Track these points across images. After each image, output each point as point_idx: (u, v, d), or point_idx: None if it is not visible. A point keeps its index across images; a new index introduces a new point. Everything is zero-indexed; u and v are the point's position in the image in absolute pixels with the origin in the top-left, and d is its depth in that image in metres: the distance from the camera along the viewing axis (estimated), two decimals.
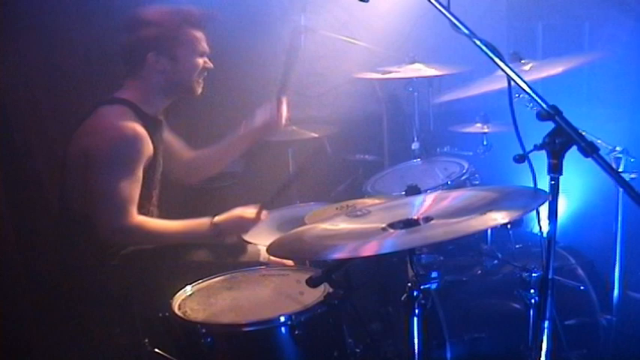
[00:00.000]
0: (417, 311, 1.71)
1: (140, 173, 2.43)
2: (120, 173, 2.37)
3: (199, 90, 2.62)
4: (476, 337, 2.34)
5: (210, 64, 2.60)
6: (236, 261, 2.57)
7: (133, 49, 2.51)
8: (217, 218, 2.54)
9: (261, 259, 2.58)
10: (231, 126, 3.11)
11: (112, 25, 3.10)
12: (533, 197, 1.60)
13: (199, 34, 2.57)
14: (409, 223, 1.73)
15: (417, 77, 3.25)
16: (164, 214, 2.78)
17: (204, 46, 2.58)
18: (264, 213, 2.64)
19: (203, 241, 2.61)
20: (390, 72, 3.19)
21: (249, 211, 2.59)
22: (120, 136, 2.39)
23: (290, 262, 2.49)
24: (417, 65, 3.22)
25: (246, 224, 2.60)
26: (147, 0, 2.66)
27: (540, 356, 1.53)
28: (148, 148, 2.46)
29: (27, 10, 2.89)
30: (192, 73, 2.57)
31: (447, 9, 1.59)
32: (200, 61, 2.57)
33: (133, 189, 2.39)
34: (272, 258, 2.51)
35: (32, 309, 2.76)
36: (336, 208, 2.64)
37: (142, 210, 2.51)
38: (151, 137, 2.48)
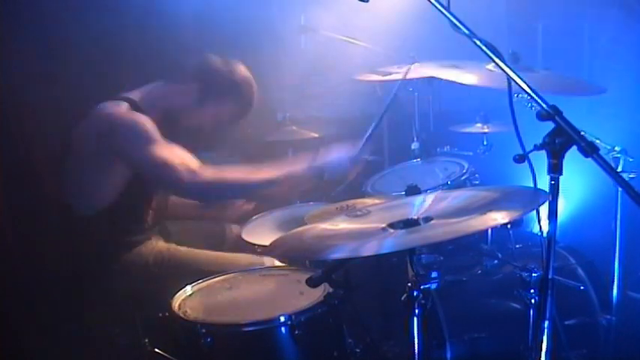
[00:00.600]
0: (417, 311, 1.71)
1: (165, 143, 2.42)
2: (155, 143, 2.37)
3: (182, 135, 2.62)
4: (476, 337, 2.34)
5: (223, 125, 2.68)
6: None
7: (186, 69, 2.57)
8: (315, 162, 2.52)
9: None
10: (231, 126, 3.11)
11: (113, 26, 3.12)
12: (533, 197, 1.61)
13: (240, 98, 2.62)
14: (409, 223, 1.73)
15: (417, 78, 3.24)
16: (163, 215, 2.79)
17: (229, 116, 2.65)
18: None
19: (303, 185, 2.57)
20: (390, 73, 3.19)
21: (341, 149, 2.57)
22: (134, 118, 2.42)
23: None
24: (417, 65, 3.21)
25: (345, 162, 2.56)
26: (147, 2, 2.67)
27: (540, 356, 1.53)
28: (154, 126, 2.45)
29: (27, 9, 2.89)
30: (199, 124, 2.61)
31: (447, 9, 1.59)
32: (213, 124, 2.63)
33: (175, 150, 2.40)
34: (277, 263, 2.51)
35: (32, 309, 2.75)
36: (336, 208, 2.64)
37: (139, 213, 2.52)
38: None
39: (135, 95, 2.54)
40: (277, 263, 2.52)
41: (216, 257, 2.62)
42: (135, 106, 2.48)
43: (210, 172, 2.39)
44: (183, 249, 2.63)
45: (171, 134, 2.50)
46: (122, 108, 2.45)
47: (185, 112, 2.59)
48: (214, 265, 2.53)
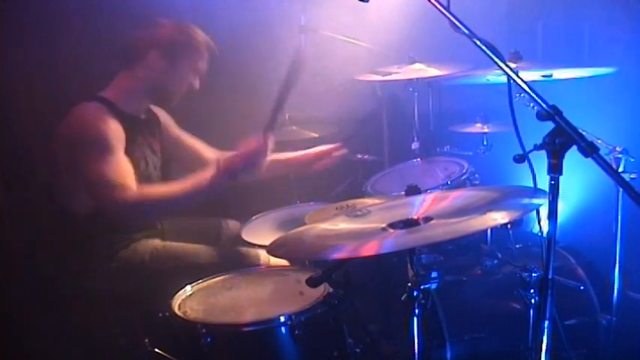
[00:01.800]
0: (417, 311, 1.71)
1: (122, 153, 2.39)
2: (104, 156, 2.33)
3: (173, 103, 2.64)
4: (476, 337, 2.34)
5: (197, 87, 2.61)
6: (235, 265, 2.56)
7: (139, 43, 2.52)
8: (223, 157, 2.43)
9: (261, 262, 2.57)
10: (231, 126, 3.11)
11: (114, 26, 3.12)
12: (533, 197, 1.61)
13: (204, 54, 2.58)
14: (409, 223, 1.73)
15: (417, 78, 3.25)
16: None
17: (203, 66, 2.59)
18: (270, 138, 2.48)
19: (214, 194, 2.43)
20: (390, 73, 3.19)
21: (252, 142, 2.43)
22: (92, 126, 2.37)
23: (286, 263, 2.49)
24: (417, 65, 3.22)
25: (256, 155, 2.41)
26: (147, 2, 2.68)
27: (540, 356, 1.53)
28: (121, 136, 2.41)
29: (28, 9, 2.89)
30: (181, 85, 2.59)
31: (447, 9, 1.59)
32: (193, 79, 2.58)
33: (122, 165, 2.36)
34: (272, 260, 2.52)
35: (32, 309, 2.75)
36: (336, 208, 2.64)
37: None
38: (128, 132, 2.45)
39: (109, 93, 2.51)
40: (272, 259, 2.52)
41: (211, 251, 2.62)
42: (109, 106, 2.45)
43: (135, 193, 2.34)
44: (178, 244, 2.63)
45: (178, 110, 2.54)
46: (90, 111, 2.41)
47: (166, 81, 2.55)
48: (209, 258, 2.55)
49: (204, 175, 2.36)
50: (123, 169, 2.36)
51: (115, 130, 2.40)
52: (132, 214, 2.41)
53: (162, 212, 2.51)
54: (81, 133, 2.39)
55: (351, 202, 2.71)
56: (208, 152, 2.87)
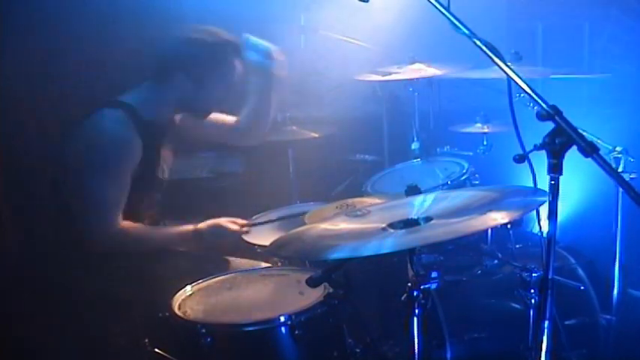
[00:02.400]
0: (417, 311, 1.71)
1: (126, 180, 2.42)
2: (102, 179, 2.38)
3: (208, 115, 2.63)
4: (476, 337, 2.34)
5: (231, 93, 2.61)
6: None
7: (165, 64, 2.50)
8: (200, 225, 2.56)
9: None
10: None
11: (113, 26, 3.12)
12: (533, 197, 1.60)
13: (233, 63, 2.55)
14: (409, 223, 1.73)
15: (417, 78, 3.25)
16: (164, 215, 2.79)
17: (233, 76, 2.56)
18: (246, 228, 2.65)
19: (186, 248, 2.64)
20: (390, 73, 3.19)
21: (232, 224, 2.61)
22: (105, 143, 2.40)
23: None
24: (417, 65, 3.22)
25: (227, 234, 2.59)
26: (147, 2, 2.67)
27: (540, 356, 1.52)
28: (135, 154, 2.44)
29: (28, 9, 2.89)
30: (212, 100, 2.58)
31: (447, 9, 1.59)
32: (226, 91, 2.56)
33: (118, 195, 2.41)
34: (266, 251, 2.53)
35: (32, 309, 2.75)
36: (336, 207, 2.64)
37: (132, 213, 2.53)
38: (146, 142, 2.47)
39: (131, 99, 2.50)
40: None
41: (214, 258, 2.64)
42: (130, 111, 2.45)
43: (127, 227, 2.42)
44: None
45: (199, 125, 2.63)
46: (113, 121, 2.42)
47: (193, 102, 2.56)
48: (212, 264, 2.56)
49: (183, 233, 2.53)
50: (118, 199, 2.40)
51: (131, 149, 2.42)
52: (107, 245, 2.43)
53: (132, 249, 2.50)
54: (94, 144, 2.42)
55: (350, 200, 2.71)
56: (227, 119, 2.87)
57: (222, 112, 2.77)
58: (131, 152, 2.44)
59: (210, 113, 2.66)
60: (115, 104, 2.48)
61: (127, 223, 2.44)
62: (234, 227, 2.62)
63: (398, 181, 2.98)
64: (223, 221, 2.61)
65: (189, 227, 2.57)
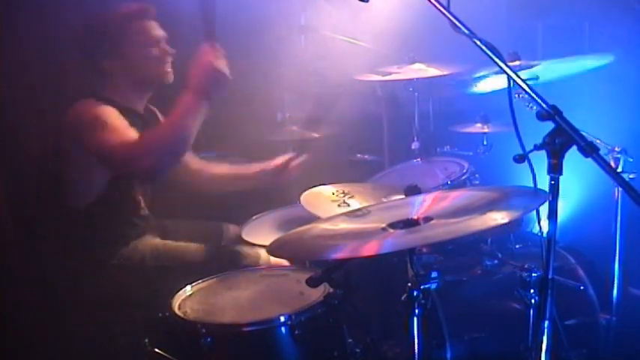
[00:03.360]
0: (417, 311, 1.71)
1: (123, 128, 2.40)
2: (102, 130, 2.35)
3: (170, 77, 2.59)
4: (476, 337, 2.34)
5: (169, 49, 2.57)
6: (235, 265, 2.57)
7: (90, 59, 2.53)
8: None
9: (261, 262, 2.57)
10: (230, 125, 3.11)
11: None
12: (533, 197, 1.61)
13: (146, 24, 2.54)
14: (409, 223, 1.73)
15: (417, 78, 3.25)
16: (158, 214, 2.80)
17: (155, 34, 2.55)
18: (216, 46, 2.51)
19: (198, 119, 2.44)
20: (390, 73, 3.19)
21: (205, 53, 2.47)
22: (96, 109, 2.41)
23: (287, 263, 2.49)
24: (417, 65, 3.22)
25: (216, 67, 2.43)
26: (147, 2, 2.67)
27: (540, 356, 1.53)
28: (119, 116, 2.44)
29: (26, 9, 2.89)
30: (150, 65, 2.56)
31: (447, 9, 1.59)
32: (154, 50, 2.54)
33: (121, 132, 2.37)
34: (272, 259, 2.52)
35: (32, 309, 2.75)
36: (333, 193, 2.64)
37: (130, 206, 2.55)
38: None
39: (107, 91, 2.54)
40: (273, 258, 2.52)
41: (211, 250, 2.64)
42: (107, 100, 2.47)
43: (136, 144, 2.35)
44: (179, 243, 2.65)
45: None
46: (89, 102, 2.46)
47: (137, 67, 2.55)
48: (210, 258, 2.56)
49: (182, 101, 2.36)
50: (122, 134, 2.37)
51: (113, 112, 2.42)
52: (143, 165, 2.35)
53: (167, 154, 2.43)
54: (81, 117, 2.42)
55: (347, 188, 2.70)
56: (191, 160, 2.88)
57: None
58: (115, 114, 2.43)
59: (162, 77, 2.58)
60: (90, 95, 2.51)
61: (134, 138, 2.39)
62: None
63: (398, 181, 2.98)
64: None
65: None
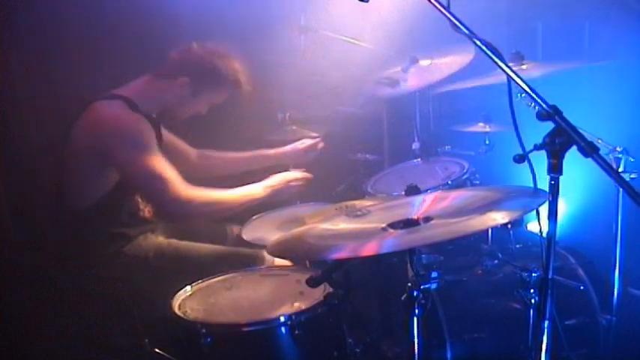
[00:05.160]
0: (417, 311, 1.71)
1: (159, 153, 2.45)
2: (149, 153, 2.39)
3: (173, 122, 2.72)
4: (476, 337, 2.34)
5: (203, 113, 2.73)
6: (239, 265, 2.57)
7: (173, 64, 2.59)
8: (265, 183, 2.69)
9: (266, 263, 2.58)
10: (232, 126, 3.11)
11: (112, 24, 3.12)
12: (533, 197, 1.60)
13: (228, 90, 2.69)
14: (409, 223, 1.73)
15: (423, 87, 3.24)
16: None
17: (220, 99, 2.71)
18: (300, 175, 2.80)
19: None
20: (398, 80, 3.18)
21: (288, 174, 2.78)
22: (131, 122, 2.44)
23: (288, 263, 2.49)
24: (423, 62, 3.21)
25: (292, 189, 2.77)
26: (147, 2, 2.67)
27: (540, 356, 1.53)
28: (154, 133, 2.50)
29: (26, 9, 2.89)
30: (190, 111, 2.68)
31: (447, 9, 1.59)
32: (204, 108, 2.70)
33: (167, 165, 2.42)
34: (277, 261, 2.52)
35: (32, 309, 2.75)
36: (335, 209, 2.64)
37: (131, 207, 2.56)
38: None
39: (127, 92, 2.53)
40: (277, 260, 2.53)
41: (215, 250, 2.64)
42: (129, 103, 2.48)
43: (195, 192, 2.43)
44: (183, 243, 2.65)
45: (171, 126, 2.63)
46: (117, 108, 2.46)
47: (180, 106, 2.65)
48: (214, 258, 2.56)
49: (252, 192, 2.60)
50: (168, 167, 2.42)
51: (149, 129, 2.48)
52: (181, 211, 2.44)
53: (208, 215, 2.59)
54: (119, 129, 2.43)
55: (350, 202, 2.71)
56: (190, 150, 2.99)
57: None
58: (151, 131, 2.49)
59: (176, 122, 2.72)
60: (111, 97, 2.51)
61: (196, 188, 2.45)
62: (299, 182, 2.79)
63: (398, 181, 2.98)
64: (288, 176, 2.77)
65: (257, 186, 2.66)
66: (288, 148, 3.15)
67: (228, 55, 2.66)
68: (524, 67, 2.69)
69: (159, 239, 2.65)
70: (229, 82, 2.66)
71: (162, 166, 2.39)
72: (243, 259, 2.58)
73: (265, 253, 2.59)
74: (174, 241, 2.65)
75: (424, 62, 3.20)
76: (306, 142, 3.17)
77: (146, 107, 2.55)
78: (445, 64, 3.11)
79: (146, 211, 2.65)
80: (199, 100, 2.65)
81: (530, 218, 2.50)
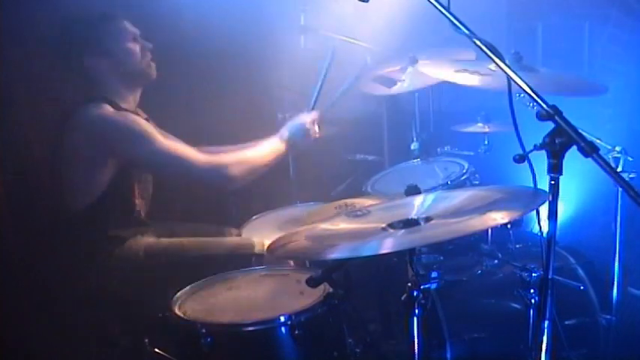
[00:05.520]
0: (417, 311, 1.71)
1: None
2: (160, 138, 2.44)
3: (153, 73, 2.66)
4: (476, 337, 2.34)
5: (147, 44, 2.64)
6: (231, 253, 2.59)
7: (72, 59, 2.56)
8: (281, 133, 2.73)
9: (255, 250, 2.59)
10: (232, 126, 3.10)
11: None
12: (533, 197, 1.60)
13: (121, 22, 2.61)
14: (409, 223, 1.73)
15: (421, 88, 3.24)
16: (162, 215, 2.80)
17: (131, 30, 2.62)
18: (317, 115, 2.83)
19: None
20: (395, 81, 3.19)
21: (304, 116, 2.79)
22: (129, 118, 2.47)
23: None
24: (421, 63, 3.21)
25: (309, 131, 2.78)
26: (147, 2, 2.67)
27: (540, 356, 1.53)
28: (148, 129, 2.50)
29: (26, 9, 2.89)
30: (133, 60, 2.60)
31: (447, 9, 1.59)
32: (134, 45, 2.60)
33: (178, 143, 2.48)
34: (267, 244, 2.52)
35: (32, 309, 2.75)
36: (335, 207, 2.64)
37: (127, 208, 2.57)
38: None
39: (106, 92, 2.55)
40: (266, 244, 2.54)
41: (203, 242, 2.65)
42: (111, 103, 2.50)
43: (223, 157, 2.52)
44: (172, 239, 2.66)
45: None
46: (108, 109, 2.47)
47: (121, 74, 2.59)
48: (202, 249, 2.58)
49: (275, 147, 2.67)
50: (179, 144, 2.48)
51: (142, 120, 2.50)
52: (223, 176, 2.50)
53: (246, 174, 2.57)
54: (121, 126, 2.45)
55: (349, 200, 2.71)
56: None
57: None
58: (147, 125, 2.49)
59: (145, 72, 2.65)
60: (95, 99, 2.52)
61: (229, 156, 2.53)
62: (315, 127, 2.81)
63: (398, 181, 2.98)
64: (303, 118, 2.79)
65: (275, 140, 2.70)
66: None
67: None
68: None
69: (149, 239, 2.64)
70: (114, 20, 2.61)
71: (176, 145, 2.45)
72: (234, 249, 2.59)
73: (255, 241, 2.61)
74: (163, 239, 2.65)
75: (423, 63, 3.20)
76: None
77: (125, 103, 2.57)
78: (445, 65, 3.12)
79: (142, 212, 2.65)
80: (117, 54, 2.57)
81: (530, 218, 2.50)
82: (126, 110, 2.54)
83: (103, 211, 2.51)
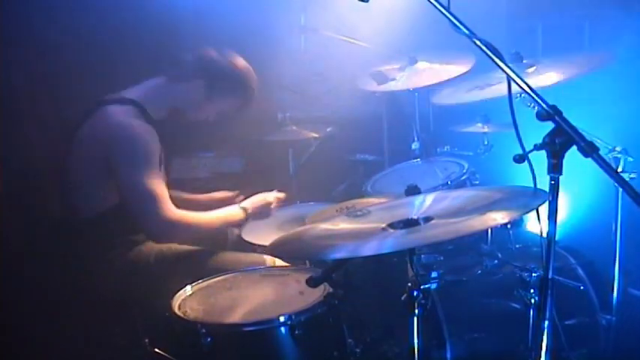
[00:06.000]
0: (417, 311, 1.71)
1: (158, 167, 2.46)
2: (148, 170, 2.39)
3: (181, 123, 2.71)
4: (476, 337, 2.34)
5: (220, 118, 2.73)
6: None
7: (189, 67, 2.60)
8: (244, 204, 2.73)
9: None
10: (230, 125, 3.10)
11: (112, 24, 3.12)
12: (533, 197, 1.60)
13: (243, 101, 2.72)
14: (409, 223, 1.73)
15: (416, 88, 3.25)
16: None
17: (233, 109, 2.73)
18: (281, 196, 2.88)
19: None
20: (391, 78, 3.19)
21: (270, 196, 2.83)
22: (137, 135, 2.42)
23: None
24: (420, 64, 3.22)
25: (269, 210, 2.83)
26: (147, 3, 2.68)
27: (540, 356, 1.53)
28: (159, 145, 2.49)
29: (26, 10, 2.89)
30: (201, 116, 2.69)
31: (447, 9, 1.59)
32: (215, 116, 2.71)
33: (162, 184, 2.44)
34: (277, 262, 2.52)
35: (32, 309, 2.76)
36: (336, 210, 2.64)
37: None
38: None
39: (136, 95, 2.53)
40: (278, 262, 2.52)
41: (217, 256, 2.62)
42: (139, 108, 2.48)
43: (180, 214, 2.44)
44: (183, 247, 2.63)
45: (178, 130, 2.64)
46: (126, 116, 2.45)
47: (192, 109, 2.66)
48: (215, 263, 2.54)
49: (231, 212, 2.65)
50: (164, 187, 2.43)
51: (155, 141, 2.46)
52: (169, 234, 2.47)
53: (191, 236, 2.59)
54: (123, 139, 2.42)
55: (350, 202, 2.71)
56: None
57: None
58: (156, 143, 2.48)
59: (184, 123, 2.71)
60: (122, 101, 2.51)
61: (180, 211, 2.45)
62: (273, 199, 2.84)
63: (398, 181, 2.98)
64: (269, 197, 2.82)
65: (235, 207, 2.70)
66: (202, 196, 3.00)
67: (246, 64, 2.70)
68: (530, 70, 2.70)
69: (161, 245, 2.63)
70: (245, 91, 2.69)
71: (157, 185, 2.39)
72: (245, 264, 2.56)
73: (267, 258, 2.59)
74: (174, 246, 2.64)
75: (422, 64, 3.20)
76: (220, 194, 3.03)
77: (156, 110, 2.56)
78: (443, 69, 3.13)
79: None
80: (211, 104, 2.66)
81: (530, 218, 2.50)
82: (148, 117, 2.51)
83: (114, 219, 2.49)
